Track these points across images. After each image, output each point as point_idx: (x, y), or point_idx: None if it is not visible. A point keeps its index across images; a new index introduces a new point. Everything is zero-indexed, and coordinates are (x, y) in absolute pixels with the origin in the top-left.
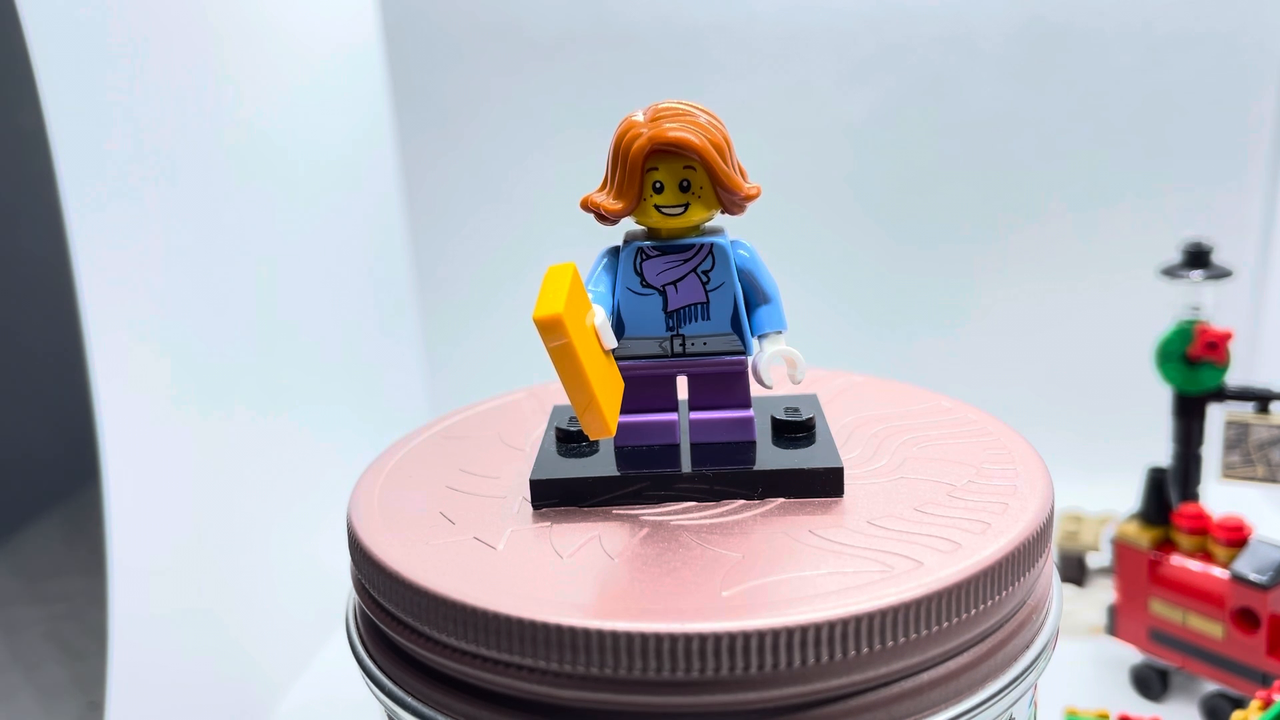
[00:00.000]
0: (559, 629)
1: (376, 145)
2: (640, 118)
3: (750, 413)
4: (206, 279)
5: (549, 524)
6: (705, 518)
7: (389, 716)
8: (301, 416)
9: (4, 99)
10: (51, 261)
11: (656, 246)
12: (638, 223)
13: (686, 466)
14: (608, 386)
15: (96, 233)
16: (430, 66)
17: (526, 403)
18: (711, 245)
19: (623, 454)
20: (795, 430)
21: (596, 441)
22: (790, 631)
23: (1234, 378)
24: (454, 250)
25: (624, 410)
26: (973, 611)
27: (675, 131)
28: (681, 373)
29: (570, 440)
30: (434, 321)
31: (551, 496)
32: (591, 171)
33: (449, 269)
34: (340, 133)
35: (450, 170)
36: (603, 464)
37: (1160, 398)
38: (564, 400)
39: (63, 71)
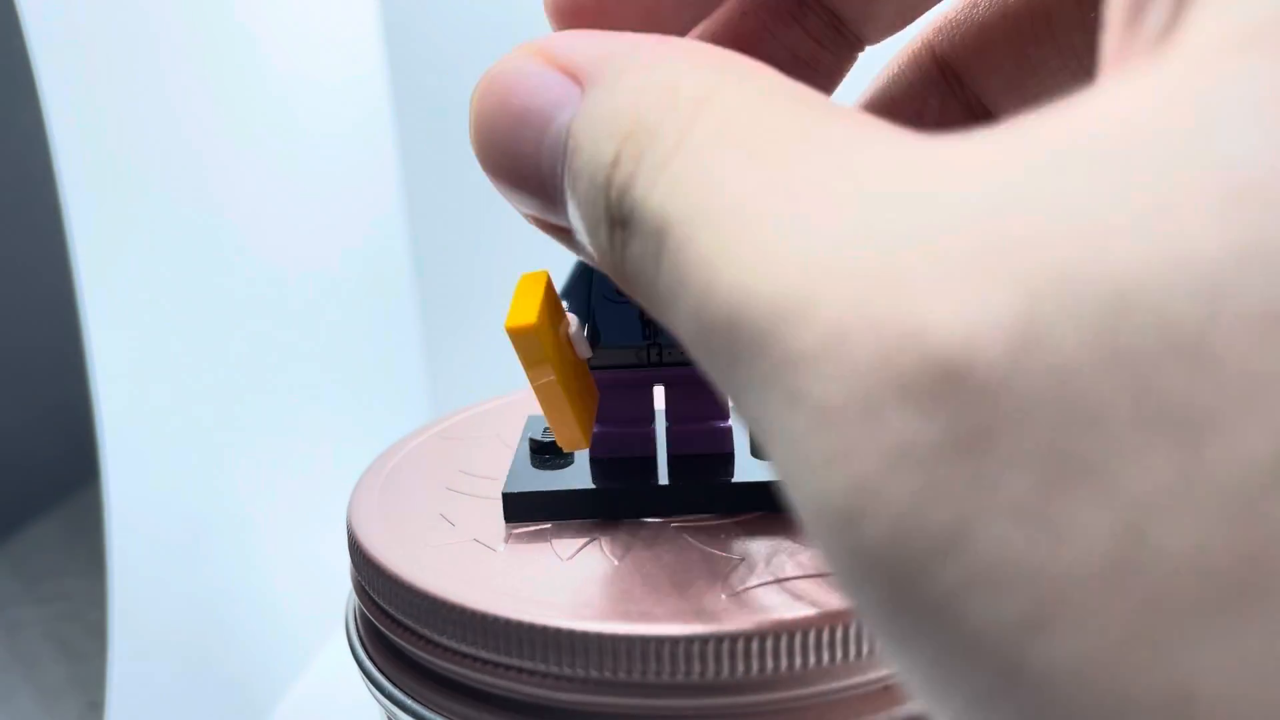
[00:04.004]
0: (558, 632)
1: (376, 145)
2: None
3: (730, 423)
4: (206, 279)
5: (548, 526)
6: (705, 519)
7: (388, 717)
8: (301, 417)
9: (4, 99)
10: (51, 261)
11: None
12: None
13: (664, 479)
14: (582, 397)
15: (96, 233)
16: (430, 66)
17: (526, 403)
18: None
19: (599, 466)
20: None
21: (571, 453)
22: (790, 633)
23: None
24: (454, 250)
25: (601, 420)
26: None
27: None
28: (658, 382)
29: (544, 451)
30: (434, 321)
31: (526, 512)
32: None
33: (449, 269)
34: (341, 133)
35: (450, 170)
36: (578, 477)
37: None
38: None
39: (63, 71)
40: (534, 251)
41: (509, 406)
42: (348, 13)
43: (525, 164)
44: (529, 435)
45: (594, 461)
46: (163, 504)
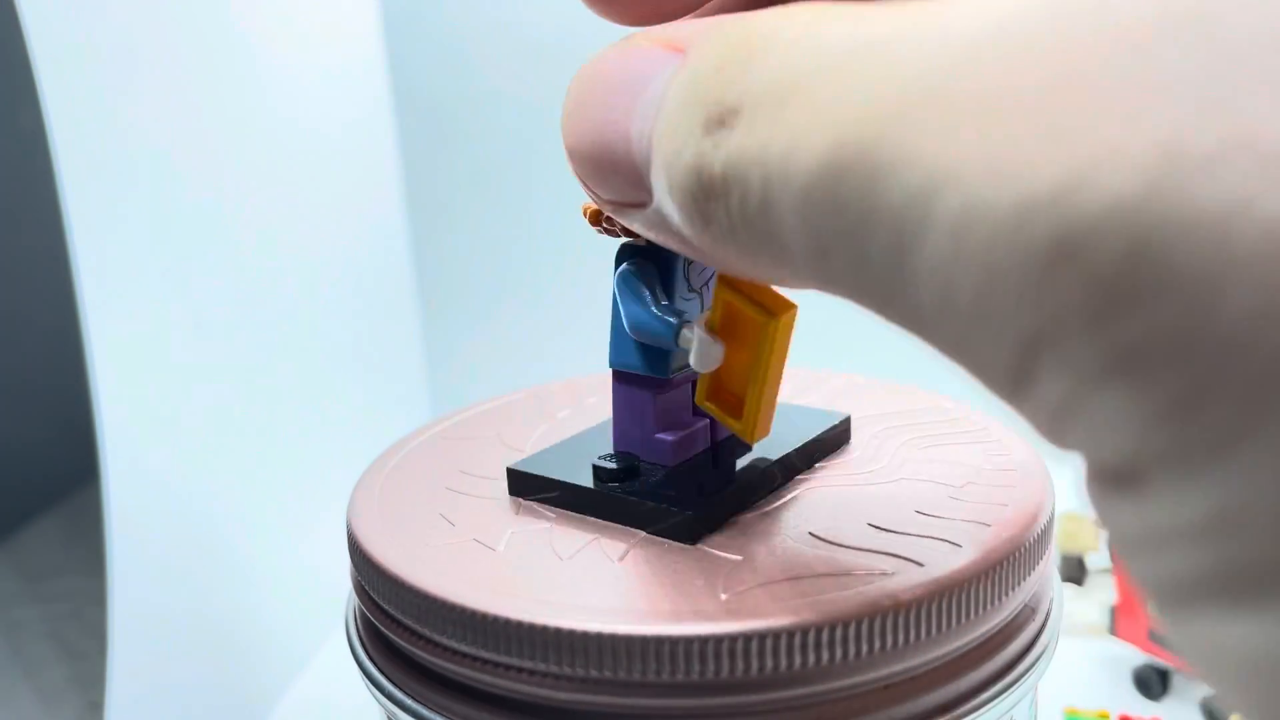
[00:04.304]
0: (558, 631)
1: (377, 145)
2: None
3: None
4: (206, 279)
5: (549, 525)
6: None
7: (388, 717)
8: (301, 417)
9: (4, 99)
10: (51, 261)
11: None
12: None
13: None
14: None
15: (96, 232)
16: (430, 66)
17: (526, 403)
18: None
19: (676, 474)
20: None
21: (636, 472)
22: (790, 633)
23: None
24: (454, 250)
25: (669, 427)
26: (973, 613)
27: None
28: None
29: (610, 479)
30: (434, 321)
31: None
32: None
33: (449, 269)
34: (340, 133)
35: (450, 170)
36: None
37: None
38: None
39: (63, 71)
40: (534, 252)
41: (509, 406)
42: (348, 12)
43: (614, 130)
44: (591, 463)
45: (671, 471)
46: (163, 504)
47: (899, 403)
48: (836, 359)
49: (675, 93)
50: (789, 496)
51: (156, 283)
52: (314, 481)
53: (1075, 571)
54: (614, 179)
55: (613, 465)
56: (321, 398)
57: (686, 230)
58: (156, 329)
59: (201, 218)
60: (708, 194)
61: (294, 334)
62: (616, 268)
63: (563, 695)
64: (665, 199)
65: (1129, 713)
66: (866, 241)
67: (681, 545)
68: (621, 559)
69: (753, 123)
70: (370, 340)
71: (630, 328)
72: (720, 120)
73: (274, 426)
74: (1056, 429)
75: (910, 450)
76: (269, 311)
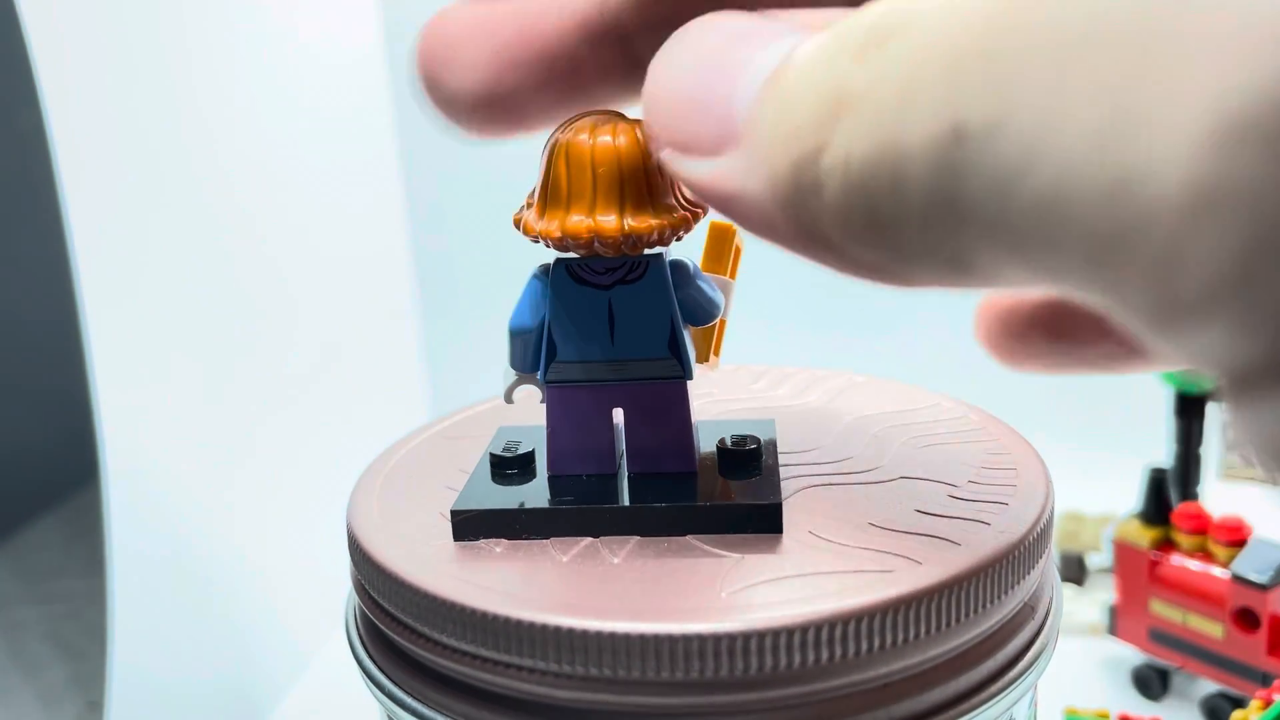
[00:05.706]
0: (558, 630)
1: (377, 145)
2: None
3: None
4: (206, 279)
5: None
6: None
7: (388, 717)
8: (301, 416)
9: (4, 99)
10: (51, 261)
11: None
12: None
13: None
14: None
15: (96, 233)
16: None
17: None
18: None
19: (558, 482)
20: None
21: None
22: (790, 631)
23: None
24: (454, 250)
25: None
26: (972, 611)
27: None
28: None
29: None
30: (434, 321)
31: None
32: None
33: (449, 269)
34: (341, 133)
35: (450, 170)
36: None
37: (1160, 398)
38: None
39: (63, 71)
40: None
41: (509, 406)
42: (348, 11)
43: (721, 70)
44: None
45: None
46: (163, 504)
47: (899, 402)
48: (837, 359)
49: (829, 35)
50: (789, 496)
51: (156, 283)
52: (314, 481)
53: (1075, 571)
54: (703, 117)
55: (504, 453)
56: (321, 397)
57: (781, 165)
58: (156, 329)
59: (201, 218)
60: (839, 110)
61: (294, 334)
62: (655, 272)
63: (563, 694)
64: (766, 136)
65: (1129, 712)
66: (1007, 129)
67: (682, 543)
68: (621, 558)
69: (908, 35)
70: (370, 340)
71: (711, 308)
72: (879, 40)
73: (273, 426)
74: (1211, 307)
75: (910, 450)
76: (268, 311)
